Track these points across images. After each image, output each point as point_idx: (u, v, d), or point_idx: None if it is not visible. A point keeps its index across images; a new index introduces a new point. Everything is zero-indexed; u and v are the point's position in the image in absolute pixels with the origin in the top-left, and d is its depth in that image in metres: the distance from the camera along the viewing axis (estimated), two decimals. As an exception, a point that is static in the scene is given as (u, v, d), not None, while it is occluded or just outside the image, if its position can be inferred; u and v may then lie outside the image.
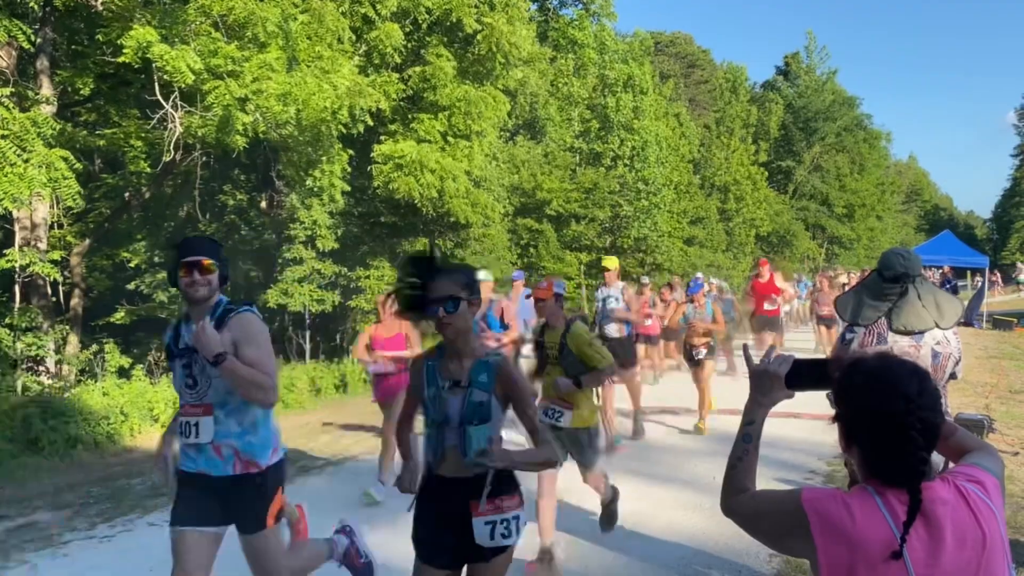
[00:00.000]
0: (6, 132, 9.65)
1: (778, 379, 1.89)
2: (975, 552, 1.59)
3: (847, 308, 3.43)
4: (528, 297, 6.88)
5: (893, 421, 1.62)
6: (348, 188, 14.18)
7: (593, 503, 6.18)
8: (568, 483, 6.76)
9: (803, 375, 1.86)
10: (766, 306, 12.87)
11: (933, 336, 3.32)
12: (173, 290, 14.15)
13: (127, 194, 14.73)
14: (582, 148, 24.79)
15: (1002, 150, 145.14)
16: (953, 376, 3.43)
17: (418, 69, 14.79)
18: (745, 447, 1.94)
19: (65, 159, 10.12)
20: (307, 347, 15.85)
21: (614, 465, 7.42)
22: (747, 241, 36.24)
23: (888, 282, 3.31)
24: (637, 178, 24.49)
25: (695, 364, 9.21)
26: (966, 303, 25.33)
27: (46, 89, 12.01)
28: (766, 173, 39.20)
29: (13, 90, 10.88)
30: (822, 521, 1.64)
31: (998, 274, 30.83)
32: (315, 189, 13.77)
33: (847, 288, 13.94)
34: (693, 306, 9.21)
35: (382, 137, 14.93)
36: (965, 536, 1.59)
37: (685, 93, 39.84)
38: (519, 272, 11.03)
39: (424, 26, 15.05)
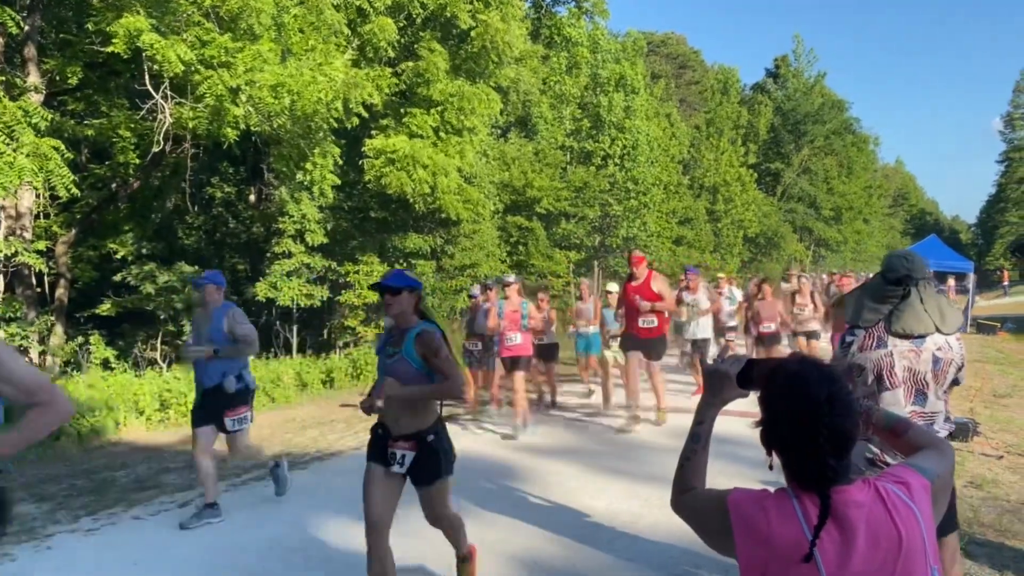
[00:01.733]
0: (-6, 120, 9.58)
1: (729, 379, 1.90)
2: (890, 553, 1.62)
3: (849, 310, 3.40)
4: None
5: (801, 426, 1.65)
6: (339, 181, 14.12)
7: (581, 502, 6.18)
8: (556, 483, 6.76)
9: (757, 374, 1.86)
10: (641, 322, 8.91)
11: (934, 341, 3.28)
12: (160, 282, 14.11)
13: (114, 185, 14.62)
14: (573, 147, 24.81)
15: (988, 156, 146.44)
16: (956, 382, 3.39)
17: (411, 64, 14.75)
18: (693, 447, 1.98)
19: (56, 148, 10.05)
20: (294, 341, 15.78)
21: (603, 464, 7.43)
22: (735, 242, 36.38)
23: (890, 284, 3.27)
24: (627, 177, 24.53)
25: None
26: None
27: (33, 77, 11.91)
28: (755, 175, 39.35)
29: (1, 78, 10.78)
30: (741, 521, 1.68)
31: (952, 282, 31.05)
32: (305, 183, 13.71)
33: (797, 299, 11.96)
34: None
35: (373, 132, 14.89)
36: (879, 537, 1.62)
37: (676, 94, 39.92)
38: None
39: (418, 21, 15.01)
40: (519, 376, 9.07)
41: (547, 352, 10.56)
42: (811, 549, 1.58)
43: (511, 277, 10.09)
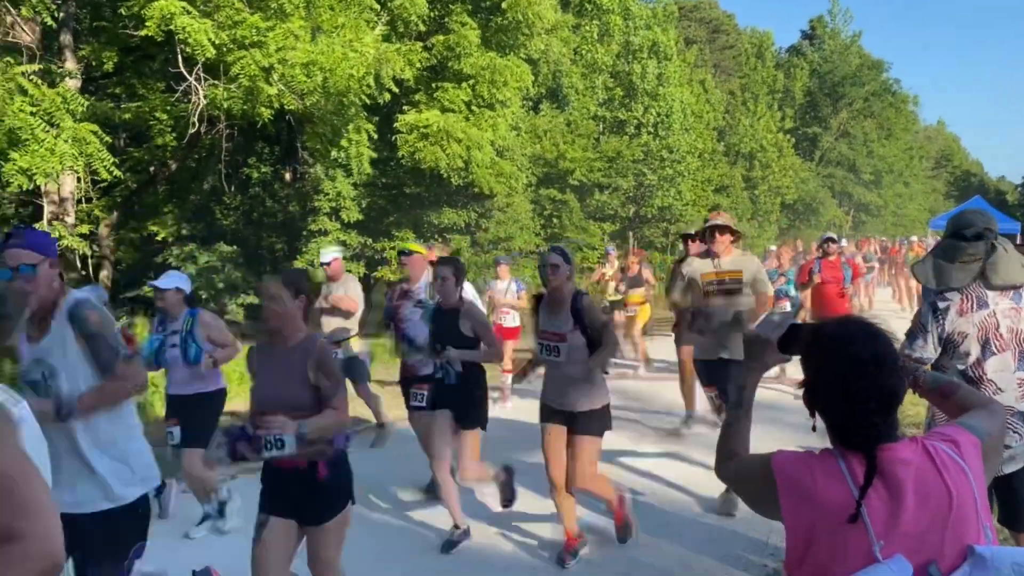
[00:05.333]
0: (35, 108, 9.76)
1: (771, 344, 1.89)
2: (940, 511, 1.59)
3: (928, 275, 3.14)
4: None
5: (847, 386, 1.64)
6: (375, 155, 14.18)
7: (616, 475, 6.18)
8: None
9: (799, 339, 1.84)
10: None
11: None
12: (201, 262, 14.34)
13: (153, 167, 14.85)
14: (605, 116, 24.55)
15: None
16: None
17: (442, 38, 14.70)
18: (736, 413, 1.97)
19: (94, 132, 10.23)
20: (333, 318, 15.95)
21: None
22: (773, 209, 35.86)
23: (972, 241, 3.05)
24: (661, 146, 24.23)
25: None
26: None
27: (70, 64, 12.08)
28: (792, 140, 38.65)
29: (40, 66, 10.96)
30: (787, 482, 1.66)
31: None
32: (340, 159, 13.79)
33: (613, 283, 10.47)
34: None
35: (405, 107, 14.89)
36: (928, 495, 1.59)
37: (710, 59, 39.26)
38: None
39: (448, -6, 14.93)
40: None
41: None
42: (858, 508, 1.56)
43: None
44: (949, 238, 3.16)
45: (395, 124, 14.60)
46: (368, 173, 14.33)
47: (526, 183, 19.35)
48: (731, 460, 1.92)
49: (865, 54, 44.86)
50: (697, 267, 5.64)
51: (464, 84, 14.81)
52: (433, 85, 14.99)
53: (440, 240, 15.13)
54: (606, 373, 4.61)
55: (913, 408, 6.73)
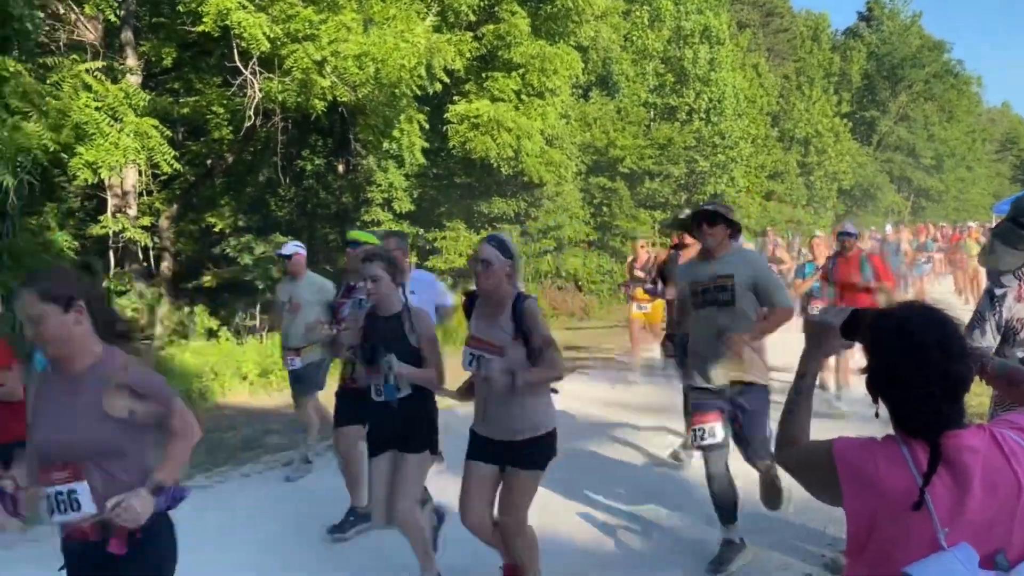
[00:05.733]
0: (99, 104, 10.06)
1: (833, 330, 1.87)
2: (1008, 499, 1.56)
3: (985, 254, 3.20)
4: None
5: (909, 372, 1.61)
6: (427, 145, 14.28)
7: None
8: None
9: (862, 325, 1.81)
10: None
11: None
12: (257, 252, 14.62)
13: (210, 160, 15.19)
14: (656, 103, 24.26)
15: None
16: None
17: (492, 27, 14.73)
18: (796, 399, 1.94)
19: (155, 127, 10.53)
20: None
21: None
22: (829, 196, 35.12)
23: None
24: (713, 132, 23.88)
25: None
26: None
27: (131, 60, 12.41)
28: (849, 124, 37.75)
29: (103, 63, 11.29)
30: (848, 469, 1.65)
31: None
32: (392, 150, 13.93)
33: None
34: None
35: (455, 97, 14.96)
36: (996, 484, 1.56)
37: (763, 43, 38.50)
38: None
39: (499, -17, 14.93)
40: None
41: None
42: (921, 495, 1.54)
43: None
44: (1008, 222, 3.12)
45: (446, 114, 14.69)
46: (420, 164, 14.45)
47: (576, 171, 19.27)
48: (791, 446, 1.90)
49: (926, 35, 43.56)
50: (689, 273, 4.50)
51: (514, 73, 14.83)
52: (483, 75, 15.04)
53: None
54: (555, 392, 3.72)
55: (976, 399, 6.56)
